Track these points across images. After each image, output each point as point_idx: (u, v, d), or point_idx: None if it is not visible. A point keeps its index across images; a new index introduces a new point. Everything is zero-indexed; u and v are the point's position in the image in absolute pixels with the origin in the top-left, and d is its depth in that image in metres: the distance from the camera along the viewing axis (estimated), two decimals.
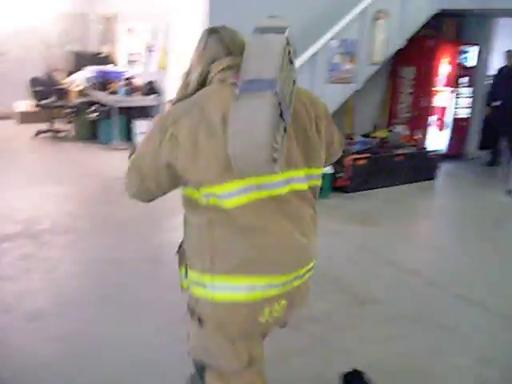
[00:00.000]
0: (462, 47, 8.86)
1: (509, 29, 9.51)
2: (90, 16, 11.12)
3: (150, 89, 8.45)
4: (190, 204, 1.68)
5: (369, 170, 6.66)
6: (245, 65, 1.48)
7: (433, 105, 8.67)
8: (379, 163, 6.87)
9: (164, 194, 1.75)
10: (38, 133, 8.87)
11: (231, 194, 1.56)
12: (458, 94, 8.97)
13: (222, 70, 1.65)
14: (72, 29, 11.00)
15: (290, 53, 1.52)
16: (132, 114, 8.69)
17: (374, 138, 7.91)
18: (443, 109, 8.83)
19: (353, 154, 6.70)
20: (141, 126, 8.51)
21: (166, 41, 8.19)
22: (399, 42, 7.83)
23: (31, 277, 3.75)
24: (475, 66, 9.12)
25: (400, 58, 8.50)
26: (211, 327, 1.71)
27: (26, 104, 9.61)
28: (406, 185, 7.19)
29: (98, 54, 10.15)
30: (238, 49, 1.66)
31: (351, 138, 7.49)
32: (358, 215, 5.75)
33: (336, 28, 7.08)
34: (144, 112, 8.75)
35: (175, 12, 7.95)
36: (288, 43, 1.49)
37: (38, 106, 8.86)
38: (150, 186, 1.69)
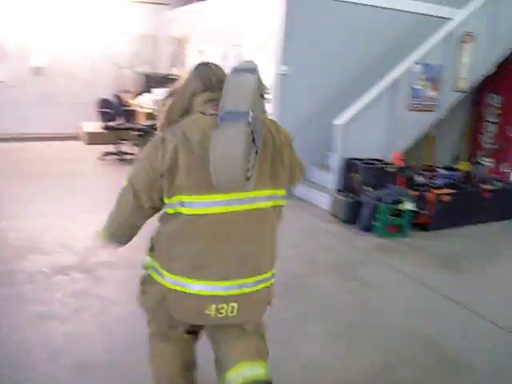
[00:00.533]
0: None
1: None
2: (160, 38, 11.07)
3: None
4: (162, 215, 2.04)
5: (453, 207, 6.04)
6: (224, 98, 1.79)
7: None
8: (465, 199, 6.23)
9: (148, 217, 2.06)
10: (105, 154, 8.75)
11: (202, 205, 1.90)
12: None
13: (204, 103, 2.00)
14: (142, 50, 10.99)
15: (260, 89, 1.89)
16: None
17: (457, 170, 7.28)
18: None
19: (435, 188, 6.11)
20: None
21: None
22: (486, 68, 7.23)
23: (82, 318, 3.41)
24: None
25: (485, 85, 7.85)
26: (152, 301, 2.17)
27: (94, 125, 9.55)
28: (494, 223, 6.49)
29: (168, 75, 10.01)
30: (216, 84, 2.01)
31: (433, 171, 6.89)
32: (441, 258, 5.15)
33: (420, 51, 6.56)
34: None
35: (247, 35, 7.67)
36: (259, 81, 1.86)
37: (105, 127, 8.75)
38: (143, 202, 1.99)
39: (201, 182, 1.86)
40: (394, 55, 7.11)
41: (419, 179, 6.24)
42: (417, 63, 6.55)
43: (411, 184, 6.13)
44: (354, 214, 5.91)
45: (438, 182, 6.37)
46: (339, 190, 6.19)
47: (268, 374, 2.06)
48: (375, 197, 5.65)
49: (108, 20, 10.47)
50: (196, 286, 1.99)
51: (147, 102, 9.28)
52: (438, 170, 6.93)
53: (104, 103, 8.94)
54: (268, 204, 2.00)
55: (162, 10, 10.94)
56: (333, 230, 5.77)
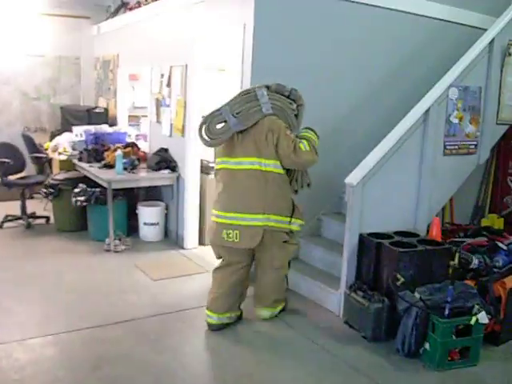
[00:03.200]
0: None
1: None
2: (83, 60, 8.62)
3: (162, 160, 5.83)
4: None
5: None
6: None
7: None
8: None
9: None
10: (5, 220, 6.27)
11: (217, 163, 3.83)
12: None
13: None
14: (60, 76, 8.47)
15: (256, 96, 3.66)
16: (135, 196, 6.11)
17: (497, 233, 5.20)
18: None
19: (502, 274, 4.00)
20: (148, 215, 5.86)
21: (184, 91, 5.60)
22: None
23: None
24: None
25: None
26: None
27: None
28: None
29: (92, 109, 7.63)
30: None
31: (484, 243, 4.71)
32: None
33: (456, 70, 4.50)
34: (152, 193, 6.15)
35: (194, 54, 5.43)
36: (256, 93, 3.67)
37: (3, 183, 6.27)
38: None
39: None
40: (413, 75, 5.07)
41: (475, 260, 4.12)
42: (452, 86, 4.49)
43: (465, 269, 4.03)
44: (385, 327, 3.74)
45: (499, 260, 4.27)
46: (353, 286, 3.99)
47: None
48: (427, 303, 3.49)
49: (14, 38, 7.89)
50: (217, 216, 3.74)
51: (64, 145, 6.83)
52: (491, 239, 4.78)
53: (2, 149, 6.47)
54: (253, 167, 3.62)
55: (83, 24, 8.48)
56: (356, 359, 3.53)
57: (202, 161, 5.75)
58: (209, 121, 3.65)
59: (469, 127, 4.72)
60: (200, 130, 3.69)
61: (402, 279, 3.63)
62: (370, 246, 3.98)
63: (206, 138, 3.67)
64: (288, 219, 3.77)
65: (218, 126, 3.65)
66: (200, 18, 5.32)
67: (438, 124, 4.44)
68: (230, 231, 3.63)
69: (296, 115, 3.79)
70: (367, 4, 4.95)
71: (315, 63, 4.76)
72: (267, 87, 3.69)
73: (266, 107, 3.61)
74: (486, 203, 6.26)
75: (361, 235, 4.06)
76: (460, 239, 4.77)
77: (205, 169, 5.75)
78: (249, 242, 3.65)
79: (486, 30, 4.93)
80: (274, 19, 4.52)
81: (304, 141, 3.66)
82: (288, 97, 3.74)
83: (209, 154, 4.98)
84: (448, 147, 4.58)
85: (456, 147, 4.65)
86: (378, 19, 5.03)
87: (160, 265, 5.22)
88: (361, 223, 4.05)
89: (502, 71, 4.85)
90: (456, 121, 4.60)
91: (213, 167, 4.43)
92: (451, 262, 3.75)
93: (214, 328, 3.82)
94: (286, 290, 4.23)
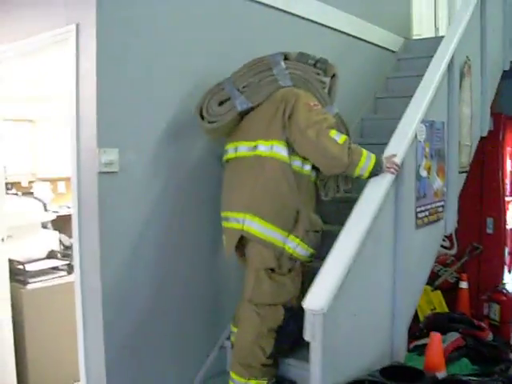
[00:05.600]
0: None
1: None
2: None
3: None
4: None
5: None
6: None
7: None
8: None
9: None
10: None
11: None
12: None
13: None
14: None
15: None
16: None
17: None
18: None
19: None
20: None
21: None
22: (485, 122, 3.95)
23: None
24: None
25: None
26: None
27: None
28: None
29: None
30: None
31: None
32: None
33: (422, 98, 2.94)
34: None
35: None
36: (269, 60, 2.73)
37: None
38: None
39: None
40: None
41: None
42: (423, 123, 2.90)
43: None
44: None
45: None
46: None
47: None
48: None
49: None
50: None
51: None
52: None
53: None
54: (251, 153, 2.64)
55: None
56: None
57: (11, 262, 3.49)
58: (208, 99, 2.77)
59: (437, 181, 3.16)
60: (199, 113, 2.78)
61: None
62: None
63: (205, 122, 2.75)
64: (283, 233, 2.57)
65: (220, 106, 2.75)
66: None
67: (409, 184, 2.80)
68: (223, 236, 2.84)
69: (328, 90, 2.81)
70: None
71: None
72: (285, 56, 2.76)
73: (282, 78, 2.70)
74: None
75: None
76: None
77: (18, 275, 3.48)
78: (227, 251, 2.80)
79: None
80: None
81: (340, 134, 2.56)
82: (315, 66, 2.78)
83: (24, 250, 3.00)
84: (419, 215, 2.95)
85: (427, 213, 3.04)
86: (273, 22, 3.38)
87: None
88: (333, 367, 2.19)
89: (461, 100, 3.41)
90: (425, 174, 3.00)
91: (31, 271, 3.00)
92: None
93: None
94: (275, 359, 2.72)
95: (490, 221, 4.79)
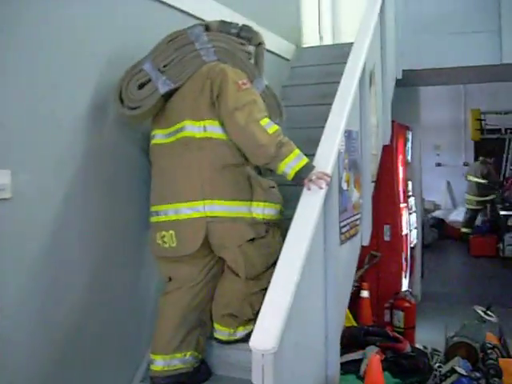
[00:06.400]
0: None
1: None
2: None
3: None
4: None
5: None
6: None
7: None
8: None
9: None
10: None
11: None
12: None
13: None
14: None
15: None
16: None
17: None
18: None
19: None
20: None
21: None
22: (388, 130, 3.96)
23: None
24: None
25: None
26: None
27: None
28: None
29: None
30: None
31: None
32: None
33: (343, 105, 2.83)
34: None
35: None
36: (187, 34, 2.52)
37: None
38: None
39: None
40: None
41: None
42: (347, 133, 2.77)
43: None
44: None
45: None
46: None
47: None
48: None
49: None
50: (150, 213, 2.58)
51: None
52: None
53: None
54: (185, 134, 2.45)
55: None
56: None
57: None
58: (126, 82, 2.50)
59: (354, 193, 3.05)
60: (118, 98, 2.51)
61: None
62: None
63: (125, 108, 2.50)
64: (247, 204, 2.52)
65: (140, 89, 2.51)
66: None
67: (335, 198, 2.65)
68: (164, 233, 2.50)
69: (254, 60, 2.68)
70: None
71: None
72: (205, 27, 2.58)
73: (206, 52, 2.54)
74: None
75: None
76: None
77: None
78: (188, 245, 2.49)
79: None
80: None
81: (272, 123, 2.44)
82: (238, 36, 2.62)
83: None
84: (343, 230, 2.81)
85: (348, 228, 2.92)
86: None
87: None
88: None
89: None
90: (345, 186, 2.87)
91: None
92: None
93: (159, 381, 2.55)
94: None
95: (386, 228, 4.86)
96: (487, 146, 11.13)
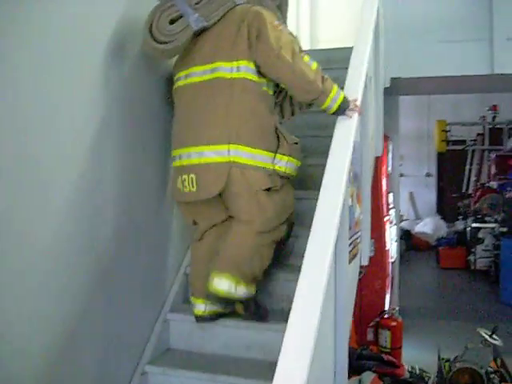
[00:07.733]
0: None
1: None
2: None
3: None
4: None
5: None
6: None
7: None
8: None
9: None
10: None
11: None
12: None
13: None
14: None
15: None
16: None
17: None
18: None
19: None
20: None
21: None
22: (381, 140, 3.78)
23: None
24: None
25: None
26: None
27: None
28: None
29: None
30: None
31: None
32: None
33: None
34: None
35: None
36: None
37: None
38: None
39: None
40: None
41: None
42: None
43: None
44: None
45: None
46: None
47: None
48: None
49: None
50: (172, 158, 2.57)
51: None
52: None
53: None
54: (215, 75, 2.42)
55: None
56: None
57: None
58: (157, 16, 2.42)
59: (357, 209, 2.82)
60: (148, 32, 2.42)
61: None
62: None
63: (156, 42, 2.40)
64: (270, 155, 2.49)
65: (171, 24, 2.44)
66: None
67: (344, 215, 2.40)
68: (185, 176, 2.46)
69: (278, 6, 2.67)
70: None
71: None
72: None
73: None
74: None
75: None
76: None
77: None
78: (209, 190, 2.44)
79: None
80: None
81: (312, 60, 2.48)
82: None
83: None
84: (349, 249, 2.57)
85: (352, 246, 2.68)
86: None
87: None
88: None
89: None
90: (350, 202, 2.64)
91: None
92: None
93: (204, 320, 2.65)
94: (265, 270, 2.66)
95: (371, 242, 4.65)
96: (450, 157, 11.16)
